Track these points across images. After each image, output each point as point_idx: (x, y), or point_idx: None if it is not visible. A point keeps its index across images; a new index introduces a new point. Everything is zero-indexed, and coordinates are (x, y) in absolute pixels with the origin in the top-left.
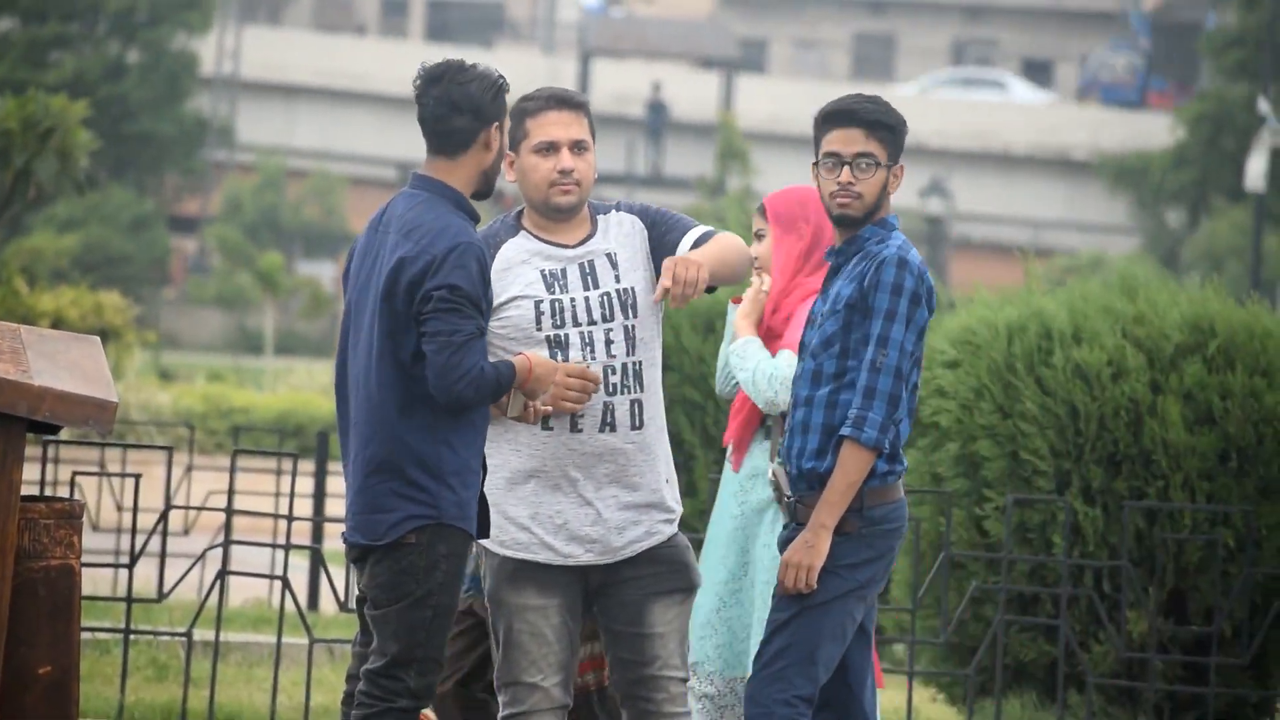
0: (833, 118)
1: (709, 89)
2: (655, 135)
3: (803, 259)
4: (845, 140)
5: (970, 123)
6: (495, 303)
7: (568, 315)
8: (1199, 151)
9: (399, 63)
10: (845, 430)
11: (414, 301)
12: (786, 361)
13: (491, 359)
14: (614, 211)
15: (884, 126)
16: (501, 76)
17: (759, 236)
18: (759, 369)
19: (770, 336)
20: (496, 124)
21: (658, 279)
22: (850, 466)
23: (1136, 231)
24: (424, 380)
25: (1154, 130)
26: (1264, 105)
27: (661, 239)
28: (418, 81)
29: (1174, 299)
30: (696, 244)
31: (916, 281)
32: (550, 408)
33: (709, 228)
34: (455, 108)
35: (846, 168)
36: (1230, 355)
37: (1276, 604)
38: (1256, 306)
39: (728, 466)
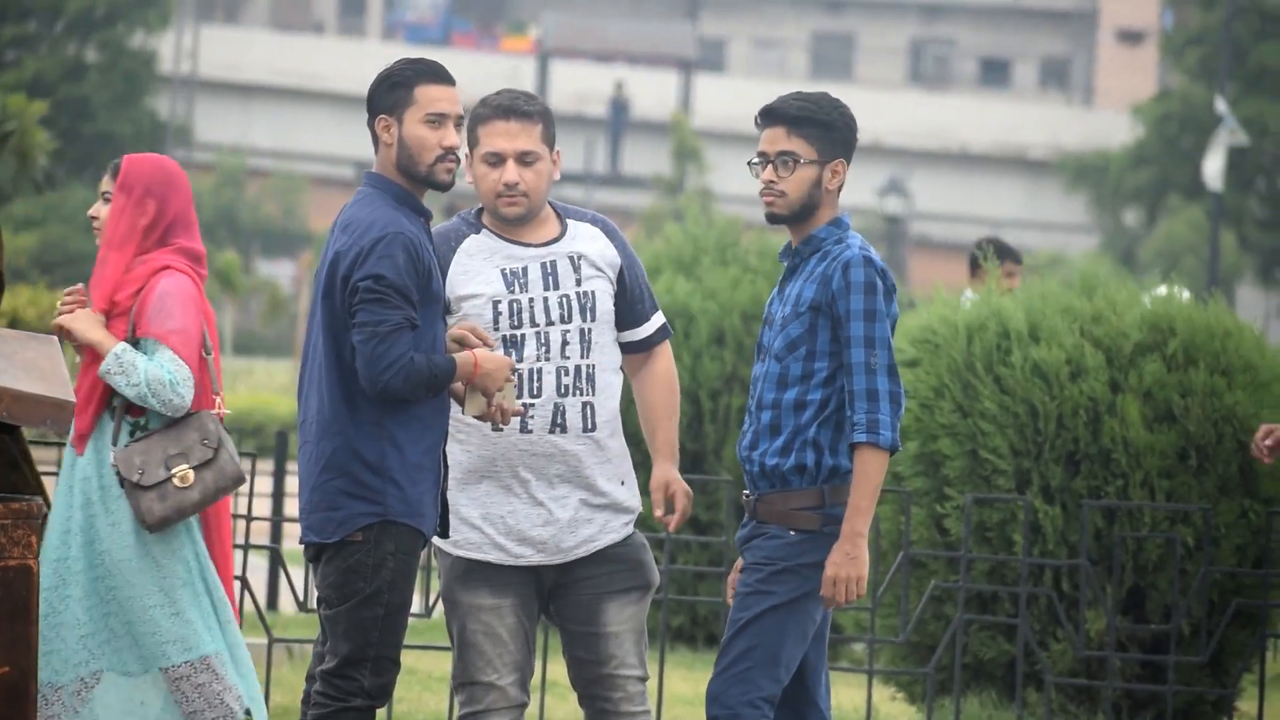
0: (762, 117)
1: (668, 88)
2: (616, 134)
3: (144, 235)
4: (770, 139)
5: (928, 121)
6: (453, 298)
7: (525, 315)
8: (1157, 150)
9: (357, 62)
10: (859, 436)
11: (345, 294)
12: (171, 359)
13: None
14: (589, 223)
15: (811, 123)
16: (407, 67)
17: (105, 198)
18: (150, 377)
19: (117, 314)
20: (383, 116)
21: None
22: (872, 470)
23: (1094, 230)
24: None
25: (1112, 129)
26: (1221, 104)
27: (631, 297)
28: None
29: (1133, 298)
30: (649, 339)
31: (883, 279)
32: (521, 410)
33: (663, 319)
34: (365, 104)
35: (770, 166)
36: (1190, 354)
37: (1234, 602)
38: (1216, 305)
39: (70, 451)
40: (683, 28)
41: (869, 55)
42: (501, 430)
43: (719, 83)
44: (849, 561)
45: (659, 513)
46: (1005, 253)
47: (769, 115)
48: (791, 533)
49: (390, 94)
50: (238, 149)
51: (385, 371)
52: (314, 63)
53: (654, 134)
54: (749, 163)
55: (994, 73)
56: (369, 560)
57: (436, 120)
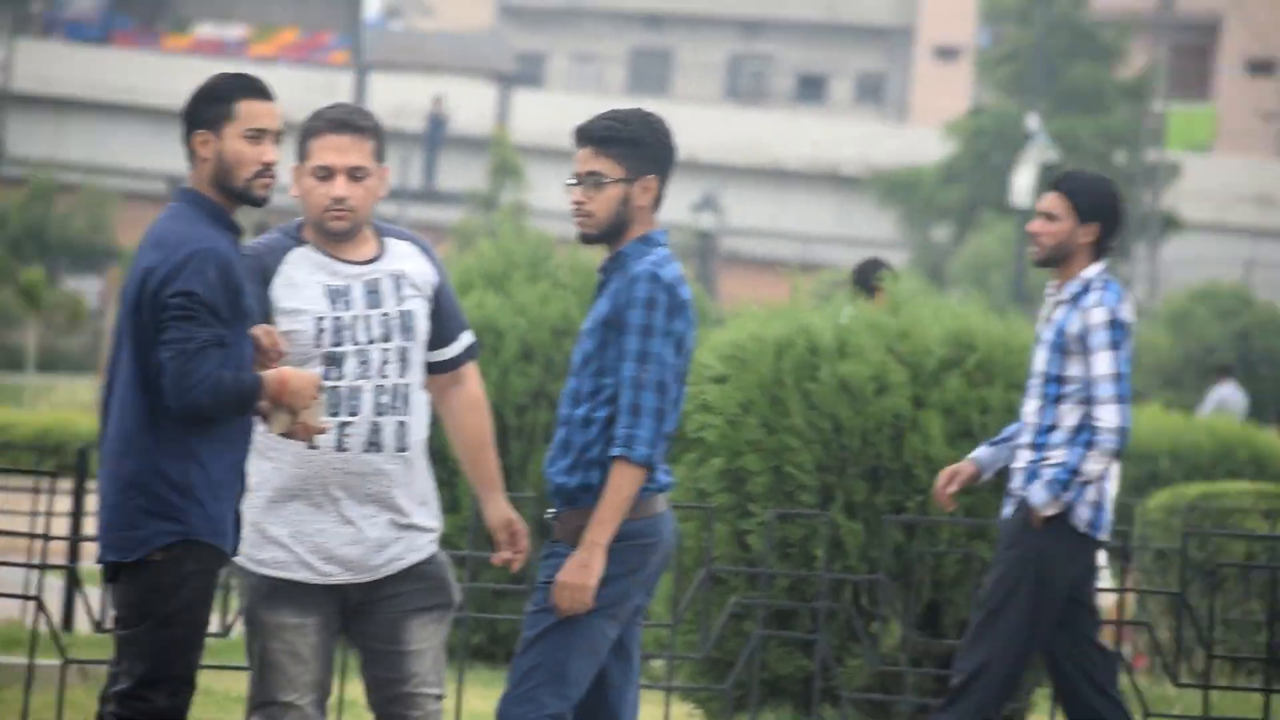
0: (574, 137)
1: (486, 102)
2: (433, 149)
3: None
4: (580, 159)
5: (743, 137)
6: (277, 311)
7: (346, 333)
8: (969, 166)
9: (167, 76)
10: (615, 450)
11: (155, 310)
12: None
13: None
14: (407, 241)
15: (616, 142)
16: (226, 82)
17: None
18: None
19: None
20: (200, 132)
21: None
22: (622, 484)
23: (904, 245)
24: None
25: (925, 145)
26: (1033, 121)
27: (443, 316)
28: None
29: (936, 314)
30: (457, 359)
31: (669, 295)
32: (327, 427)
33: (471, 338)
34: (182, 116)
35: (579, 187)
36: (988, 370)
37: None
38: (1015, 320)
39: None
40: (502, 42)
41: (687, 71)
42: (318, 448)
43: (537, 97)
44: (580, 570)
45: (504, 553)
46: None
47: (579, 135)
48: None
49: (210, 108)
50: (48, 163)
51: (193, 389)
52: (125, 77)
53: (470, 149)
54: (566, 183)
55: (810, 89)
56: (168, 579)
57: (256, 135)
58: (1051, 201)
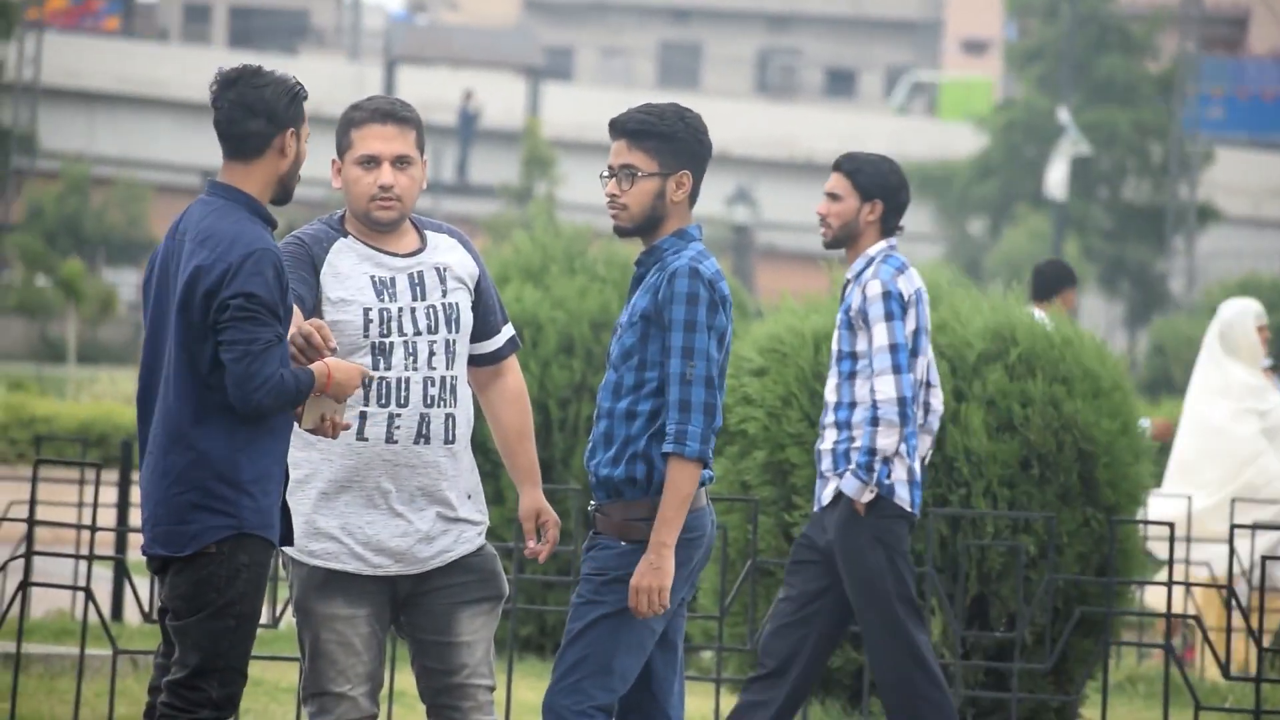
0: (609, 129)
1: (515, 96)
2: (465, 142)
3: None
4: (614, 152)
5: (774, 131)
6: (325, 301)
7: (394, 323)
8: (1002, 160)
9: (201, 69)
10: (668, 447)
11: (210, 311)
12: None
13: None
14: (446, 235)
15: (650, 136)
16: (298, 83)
17: None
18: None
19: None
20: (292, 130)
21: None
22: (680, 481)
23: (939, 240)
24: (222, 390)
25: (956, 139)
26: (1064, 115)
27: (484, 309)
28: (213, 86)
29: (976, 307)
30: (499, 351)
31: (709, 290)
32: (349, 424)
33: (511, 332)
34: (250, 112)
35: (613, 179)
36: (1031, 363)
37: (1078, 610)
38: (1057, 314)
39: None
40: (529, 36)
41: (716, 65)
42: (367, 440)
43: (566, 91)
44: (652, 572)
45: (531, 543)
46: (1068, 277)
47: (613, 128)
48: (623, 543)
49: (298, 108)
50: (82, 157)
51: (258, 390)
52: (158, 70)
53: (499, 142)
54: (600, 175)
55: (839, 82)
56: (222, 573)
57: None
58: (834, 182)
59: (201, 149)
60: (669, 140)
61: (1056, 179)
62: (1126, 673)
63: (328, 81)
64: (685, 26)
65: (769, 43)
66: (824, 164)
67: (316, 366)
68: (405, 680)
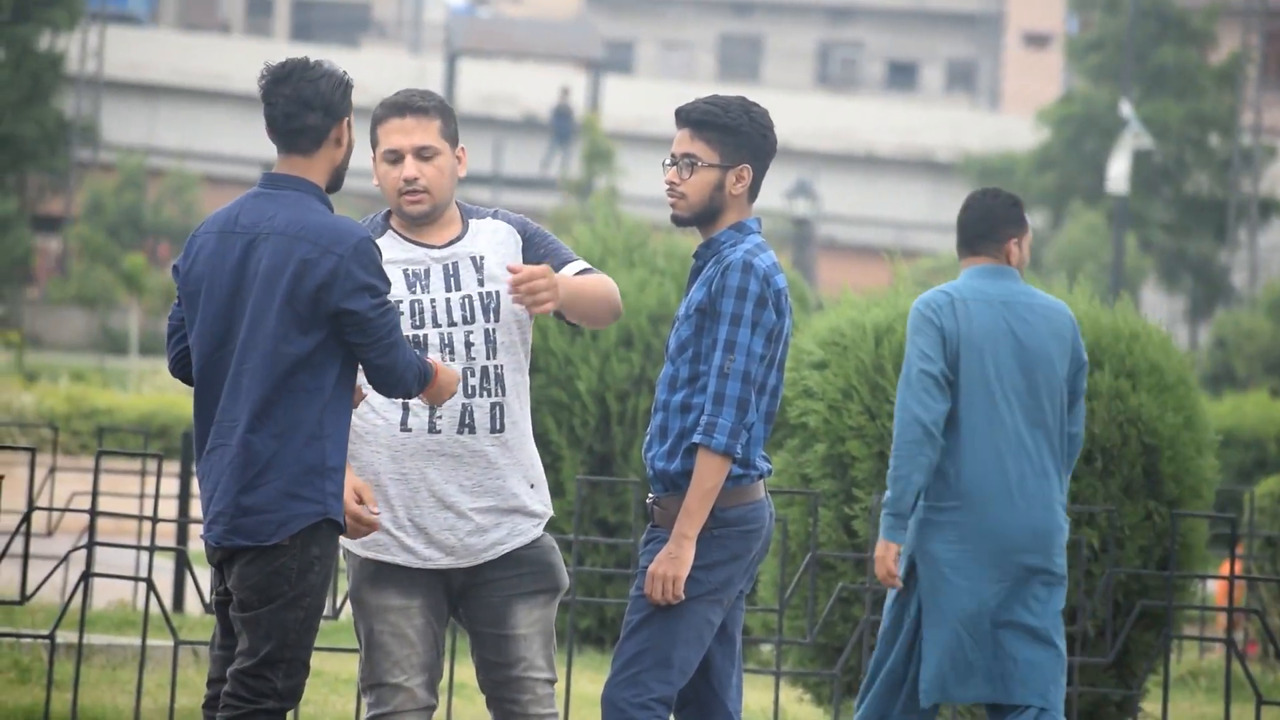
0: (675, 118)
1: (575, 90)
2: (563, 140)
3: None
4: (678, 140)
5: (835, 124)
6: None
7: (427, 315)
8: (1061, 153)
9: (263, 62)
10: (696, 437)
11: (319, 304)
12: None
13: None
14: (489, 218)
15: (713, 127)
16: (346, 72)
17: None
18: None
19: None
20: (346, 119)
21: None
22: (705, 473)
23: None
24: (315, 378)
25: (1017, 132)
26: (1126, 108)
27: (538, 259)
28: (264, 81)
29: None
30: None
31: (761, 285)
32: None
33: (588, 265)
34: (306, 105)
35: (673, 167)
36: (1095, 356)
37: (1139, 604)
38: (1122, 307)
39: None
40: (590, 28)
41: (776, 58)
42: (410, 430)
43: (626, 84)
44: (670, 561)
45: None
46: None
47: (678, 116)
48: None
49: (349, 98)
50: (143, 149)
51: (405, 375)
52: (219, 63)
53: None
54: (662, 162)
55: (900, 76)
56: (294, 565)
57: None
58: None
59: (259, 140)
60: (731, 133)
61: (1119, 172)
62: (1188, 667)
63: (390, 75)
64: (746, 19)
65: (830, 35)
66: (885, 157)
67: (433, 361)
68: (465, 672)
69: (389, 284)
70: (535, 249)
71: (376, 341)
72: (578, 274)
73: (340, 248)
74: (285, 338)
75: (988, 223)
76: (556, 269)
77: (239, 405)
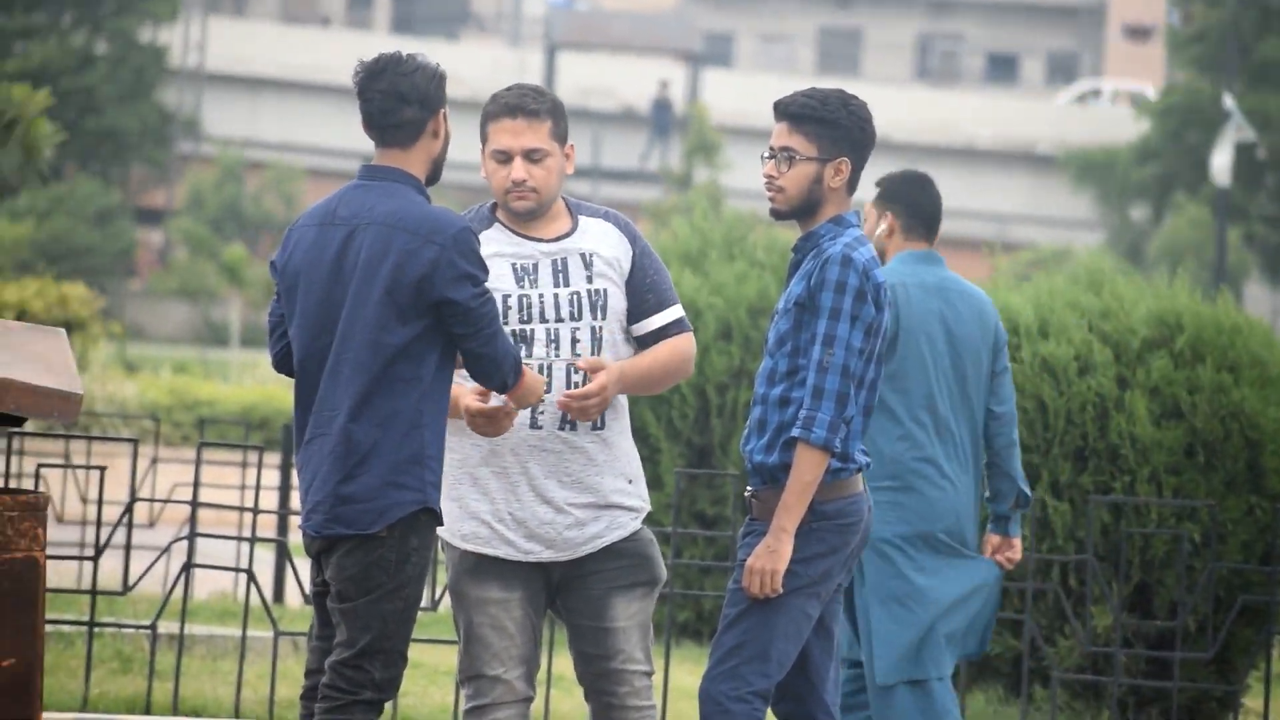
0: (773, 110)
1: (675, 83)
2: (661, 132)
3: None
4: (776, 134)
5: (935, 117)
6: None
7: (535, 310)
8: (1163, 146)
9: (363, 55)
10: (795, 431)
11: (420, 294)
12: None
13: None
14: (601, 219)
15: (811, 120)
16: (439, 65)
17: None
18: None
19: None
20: (441, 111)
21: (628, 305)
22: (804, 467)
23: (1100, 226)
24: (414, 367)
25: (1118, 124)
26: (1229, 100)
27: (638, 289)
28: (358, 77)
29: (1140, 294)
30: (655, 333)
31: (861, 278)
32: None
33: (680, 314)
34: (403, 99)
35: (772, 161)
36: (1198, 350)
37: (1241, 599)
38: (1224, 301)
39: None
40: (689, 21)
41: (876, 50)
42: (511, 425)
43: (726, 77)
44: (768, 554)
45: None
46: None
47: (776, 109)
48: None
49: (443, 89)
50: (245, 142)
51: (504, 364)
52: (320, 56)
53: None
54: (761, 156)
55: (1001, 68)
56: (392, 556)
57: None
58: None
59: (357, 134)
60: (830, 126)
61: (1221, 165)
62: None
63: (489, 68)
64: (846, 12)
65: (929, 28)
66: (985, 150)
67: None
68: (563, 664)
69: (487, 273)
70: (641, 275)
71: (479, 331)
72: (663, 328)
73: (440, 237)
74: (385, 327)
75: (938, 209)
76: (646, 314)
77: (338, 395)
